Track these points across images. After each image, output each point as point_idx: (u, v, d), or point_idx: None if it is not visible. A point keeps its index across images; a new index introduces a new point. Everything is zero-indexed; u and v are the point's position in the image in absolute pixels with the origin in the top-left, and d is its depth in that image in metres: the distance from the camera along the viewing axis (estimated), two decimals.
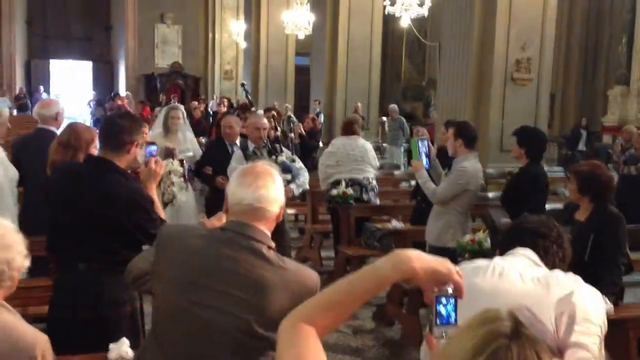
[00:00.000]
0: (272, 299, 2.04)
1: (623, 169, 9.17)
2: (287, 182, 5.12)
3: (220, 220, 2.44)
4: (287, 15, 17.28)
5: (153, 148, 3.47)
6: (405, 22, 12.79)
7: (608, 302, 3.54)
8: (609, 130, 15.11)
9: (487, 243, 4.57)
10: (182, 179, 5.56)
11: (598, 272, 3.67)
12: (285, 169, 5.16)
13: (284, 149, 5.70)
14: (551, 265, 2.22)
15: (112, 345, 2.64)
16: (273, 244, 2.15)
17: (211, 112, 17.62)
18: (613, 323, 3.63)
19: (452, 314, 1.39)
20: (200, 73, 25.17)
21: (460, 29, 10.26)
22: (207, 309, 2.06)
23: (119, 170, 3.08)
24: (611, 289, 3.65)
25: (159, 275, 2.18)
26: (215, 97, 21.32)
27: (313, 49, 17.37)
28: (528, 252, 2.19)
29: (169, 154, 5.88)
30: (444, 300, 1.40)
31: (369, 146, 6.94)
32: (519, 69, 10.01)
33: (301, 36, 17.41)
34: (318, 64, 16.64)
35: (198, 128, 13.46)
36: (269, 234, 2.16)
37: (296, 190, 5.47)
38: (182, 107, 7.15)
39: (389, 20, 16.93)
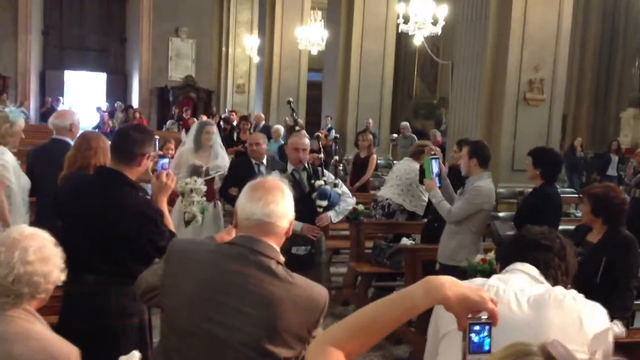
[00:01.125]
0: (281, 315, 2.03)
1: (635, 192, 9.10)
2: (323, 209, 4.92)
3: (229, 234, 2.43)
4: (301, 31, 17.39)
5: (165, 161, 3.49)
6: (418, 41, 12.82)
7: (620, 326, 3.51)
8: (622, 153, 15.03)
9: None
10: (204, 199, 5.39)
11: (609, 295, 3.63)
12: (321, 194, 4.90)
13: (327, 172, 5.22)
14: (553, 280, 2.10)
15: (122, 358, 2.63)
16: (282, 259, 2.14)
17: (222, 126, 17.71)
18: (625, 347, 3.61)
19: (486, 342, 1.36)
20: (213, 87, 25.29)
21: (474, 48, 10.28)
22: (217, 324, 2.05)
23: (130, 183, 3.09)
24: (623, 313, 3.62)
25: (168, 290, 2.17)
26: (227, 110, 21.42)
27: (325, 65, 17.44)
28: (527, 268, 2.07)
29: (195, 171, 5.78)
30: (477, 327, 1.37)
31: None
32: (532, 89, 10.01)
33: (314, 52, 17.50)
34: (330, 80, 16.69)
35: None
36: (278, 249, 2.16)
37: (334, 217, 5.10)
38: (213, 122, 7.02)
39: (402, 38, 16.99)
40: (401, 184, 6.79)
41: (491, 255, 4.64)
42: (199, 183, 5.33)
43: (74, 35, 25.50)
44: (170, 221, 3.24)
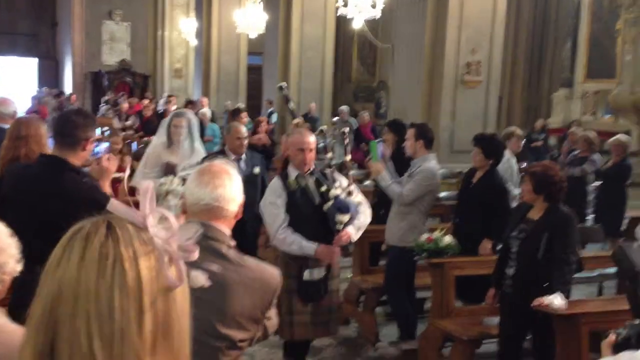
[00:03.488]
0: (233, 298, 2.04)
1: (567, 171, 9.44)
2: (343, 225, 3.97)
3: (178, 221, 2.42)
4: (239, 14, 17.18)
5: (104, 145, 3.44)
6: (357, 24, 12.87)
7: (561, 298, 3.68)
8: (554, 132, 15.54)
9: (445, 241, 4.66)
10: (182, 201, 4.83)
11: (551, 270, 3.80)
12: (341, 207, 3.94)
13: (338, 176, 4.23)
14: None
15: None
16: (233, 243, 2.15)
17: (160, 111, 17.41)
18: (566, 319, 3.79)
19: None
20: (149, 71, 24.75)
21: (413, 32, 10.43)
22: None
23: (74, 169, 3.04)
24: (563, 287, 3.78)
25: None
26: (164, 95, 21.04)
27: (266, 49, 17.33)
28: None
29: (169, 170, 5.20)
30: None
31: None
32: (469, 71, 10.25)
33: (253, 36, 17.34)
34: (271, 64, 16.61)
35: (149, 127, 13.30)
36: (228, 232, 2.16)
37: (355, 234, 4.08)
38: (190, 113, 6.04)
39: (341, 22, 17.02)
40: None
41: (436, 233, 4.77)
42: (176, 184, 4.69)
43: (4, 19, 24.51)
44: (118, 205, 3.19)
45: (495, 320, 4.39)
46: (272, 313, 2.24)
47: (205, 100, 15.27)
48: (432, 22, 10.14)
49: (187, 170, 5.08)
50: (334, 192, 4.01)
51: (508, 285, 4.10)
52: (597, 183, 8.07)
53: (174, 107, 14.34)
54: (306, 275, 4.03)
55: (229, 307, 2.04)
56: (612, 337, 2.25)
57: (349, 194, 4.09)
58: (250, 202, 5.08)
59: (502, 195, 5.13)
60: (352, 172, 4.55)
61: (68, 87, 23.84)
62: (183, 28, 22.82)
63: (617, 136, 7.99)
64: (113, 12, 23.89)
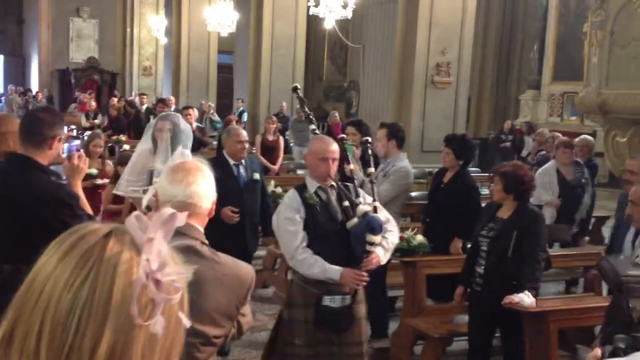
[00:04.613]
0: (208, 294, 2.04)
1: (535, 171, 9.58)
2: (374, 245, 3.45)
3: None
4: (210, 12, 17.07)
5: (75, 143, 3.39)
6: (329, 24, 12.91)
7: (531, 296, 3.74)
8: (521, 133, 15.79)
9: (416, 240, 4.70)
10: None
11: (520, 268, 3.86)
12: (373, 227, 3.39)
13: (361, 191, 3.80)
14: None
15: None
16: (205, 240, 2.15)
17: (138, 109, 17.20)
18: (535, 316, 3.85)
19: None
20: (117, 69, 24.47)
21: (384, 32, 10.49)
22: None
23: (41, 167, 3.00)
24: (532, 284, 3.84)
25: None
26: (133, 93, 20.82)
27: (236, 47, 17.26)
28: None
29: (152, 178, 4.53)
30: None
31: None
32: (439, 72, 10.33)
33: (224, 34, 17.26)
34: (241, 63, 16.56)
35: (118, 126, 13.16)
36: (201, 229, 2.16)
37: (384, 257, 3.60)
38: (177, 116, 5.51)
39: (312, 21, 17.04)
40: None
41: (408, 232, 4.80)
42: None
43: None
44: (87, 205, 3.16)
45: (465, 318, 4.44)
46: (247, 310, 2.25)
47: (173, 99, 15.16)
48: (402, 23, 10.21)
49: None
50: (364, 208, 3.51)
51: (478, 284, 4.14)
52: None
53: (144, 106, 14.23)
54: (326, 301, 3.50)
55: (204, 303, 2.04)
56: (597, 351, 2.27)
57: (374, 210, 3.64)
58: (250, 211, 4.88)
59: (472, 195, 5.20)
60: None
61: (35, 85, 23.44)
62: (152, 25, 22.62)
63: (582, 136, 8.13)
64: (81, 9, 23.56)
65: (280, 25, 15.63)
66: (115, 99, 15.82)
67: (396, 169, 5.05)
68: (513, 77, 19.08)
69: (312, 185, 3.58)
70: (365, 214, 3.46)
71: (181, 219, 0.94)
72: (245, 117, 15.71)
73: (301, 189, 3.60)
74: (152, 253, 0.86)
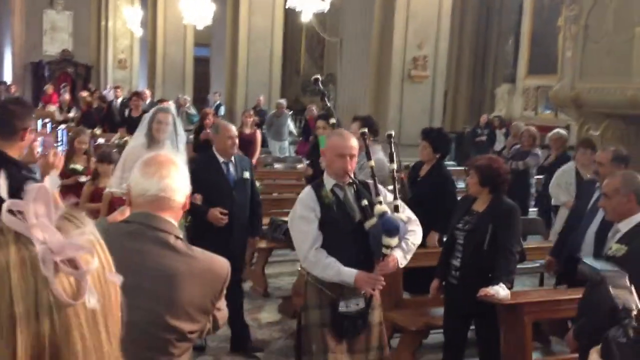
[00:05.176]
0: (183, 289, 2.02)
1: (510, 164, 9.67)
2: (390, 248, 3.27)
3: (123, 214, 2.38)
4: (186, 4, 16.93)
5: (49, 139, 3.34)
6: (306, 17, 12.88)
7: (505, 288, 3.77)
8: (494, 127, 15.93)
9: None
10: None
11: (496, 260, 3.89)
12: (389, 228, 3.22)
13: (381, 187, 3.56)
14: None
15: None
16: (180, 234, 2.13)
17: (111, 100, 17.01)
18: (510, 309, 3.89)
19: None
20: (92, 62, 24.18)
21: (361, 26, 10.48)
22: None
23: (12, 160, 2.95)
24: (507, 277, 3.87)
25: None
26: (108, 87, 20.60)
27: (213, 40, 17.14)
28: None
29: None
30: None
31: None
32: (416, 66, 10.38)
33: (200, 27, 17.13)
34: (218, 56, 16.46)
35: (88, 121, 13.01)
36: (175, 223, 2.13)
37: (402, 260, 3.38)
38: (172, 109, 5.49)
39: (289, 14, 16.98)
40: None
41: None
42: None
43: None
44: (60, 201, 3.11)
45: (442, 311, 4.46)
46: (222, 304, 2.24)
47: (149, 92, 15.04)
48: (379, 16, 10.22)
49: None
50: (381, 208, 3.28)
51: (454, 277, 4.17)
52: (539, 177, 8.28)
53: (119, 99, 14.08)
54: (342, 307, 3.36)
55: (178, 298, 2.02)
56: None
57: (395, 209, 3.40)
58: (240, 211, 4.71)
59: (448, 188, 5.23)
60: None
61: (8, 77, 23.08)
62: (127, 18, 22.38)
63: (556, 130, 8.22)
64: (54, 1, 23.22)
65: (257, 18, 15.57)
66: (85, 93, 15.63)
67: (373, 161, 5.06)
68: (489, 71, 19.20)
69: (328, 183, 3.42)
70: (383, 214, 3.24)
71: (51, 183, 0.90)
72: (222, 110, 15.62)
73: (317, 186, 3.44)
74: (43, 237, 0.81)
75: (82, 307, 0.81)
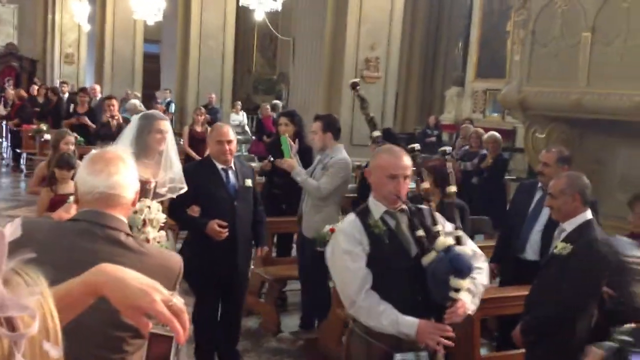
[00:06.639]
0: None
1: (461, 165, 9.87)
2: (456, 290, 2.66)
3: (68, 212, 2.34)
4: None
5: None
6: (259, 16, 12.85)
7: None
8: (446, 128, 16.21)
9: None
10: (162, 233, 3.56)
11: None
12: (460, 268, 2.65)
13: (439, 216, 2.95)
14: None
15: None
16: (130, 231, 2.11)
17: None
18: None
19: None
20: (38, 56, 23.56)
21: (313, 26, 10.51)
22: None
23: None
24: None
25: None
26: (56, 82, 20.10)
27: (163, 37, 16.94)
28: None
29: (141, 190, 3.83)
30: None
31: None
32: (369, 67, 10.45)
33: (150, 22, 16.88)
34: (169, 52, 16.29)
35: (23, 114, 12.71)
36: (125, 220, 2.11)
37: (471, 304, 2.77)
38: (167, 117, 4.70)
39: (241, 12, 16.90)
40: None
41: (339, 225, 4.83)
42: (155, 210, 3.48)
43: None
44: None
45: None
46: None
47: (97, 87, 14.74)
48: (332, 16, 10.27)
49: (167, 187, 3.91)
50: (445, 241, 2.74)
51: None
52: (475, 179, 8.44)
53: (66, 95, 13.77)
54: (398, 359, 2.72)
55: None
56: (597, 352, 2.28)
57: (457, 240, 2.82)
58: (243, 223, 4.30)
59: None
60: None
61: None
62: (75, 11, 21.88)
63: (491, 133, 8.46)
64: None
65: (208, 15, 15.44)
66: (10, 87, 15.30)
67: (335, 161, 5.06)
68: (438, 74, 19.51)
69: (377, 210, 2.82)
70: (449, 248, 2.69)
71: (13, 232, 0.80)
72: (172, 107, 15.45)
73: (364, 214, 2.83)
74: None
75: None
